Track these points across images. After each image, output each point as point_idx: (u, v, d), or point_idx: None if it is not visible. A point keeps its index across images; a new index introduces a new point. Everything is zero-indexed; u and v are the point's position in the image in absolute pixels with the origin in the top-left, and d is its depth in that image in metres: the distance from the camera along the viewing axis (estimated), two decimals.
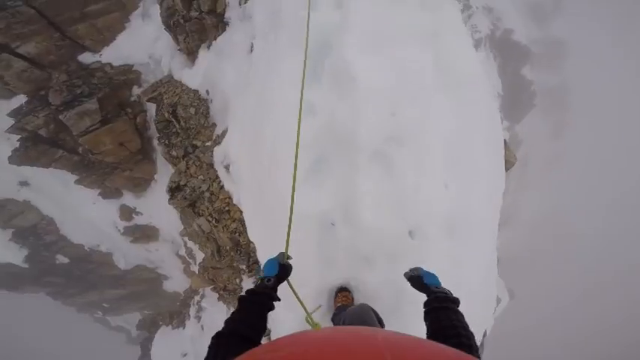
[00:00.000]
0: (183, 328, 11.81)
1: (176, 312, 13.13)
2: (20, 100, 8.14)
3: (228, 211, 3.96)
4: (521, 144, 24.76)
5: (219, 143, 4.30)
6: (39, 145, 8.03)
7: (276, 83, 2.98)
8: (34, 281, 12.16)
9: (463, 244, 2.43)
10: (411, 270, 1.47)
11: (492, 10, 21.88)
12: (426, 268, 1.44)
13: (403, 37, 2.66)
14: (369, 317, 1.89)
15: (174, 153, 5.89)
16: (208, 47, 5.98)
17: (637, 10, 23.93)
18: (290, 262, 1.41)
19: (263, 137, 2.86)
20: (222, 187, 4.11)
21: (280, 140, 2.59)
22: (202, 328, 10.14)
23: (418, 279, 1.37)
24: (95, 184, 9.16)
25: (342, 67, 2.50)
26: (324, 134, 2.48)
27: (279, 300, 1.23)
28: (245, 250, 3.98)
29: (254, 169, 3.05)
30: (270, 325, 2.51)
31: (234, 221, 3.90)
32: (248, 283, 4.98)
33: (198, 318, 10.53)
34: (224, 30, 5.40)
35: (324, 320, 2.47)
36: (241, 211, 3.73)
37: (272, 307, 1.19)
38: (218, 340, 1.00)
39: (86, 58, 8.37)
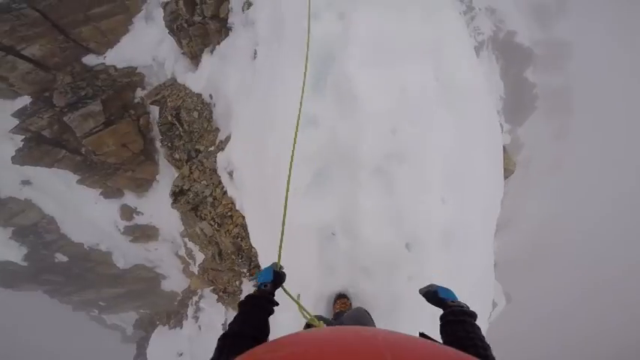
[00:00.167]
0: (181, 327, 11.85)
1: (174, 312, 13.17)
2: (24, 100, 8.19)
3: (231, 217, 4.03)
4: (523, 147, 24.65)
5: (223, 149, 4.37)
6: (42, 146, 8.10)
7: (279, 94, 3.05)
8: (32, 279, 12.16)
9: (458, 254, 2.51)
10: (425, 286, 1.48)
11: (495, 12, 21.58)
12: (439, 283, 1.45)
13: (405, 51, 2.73)
14: (366, 320, 1.97)
15: (176, 156, 5.96)
16: (212, 52, 6.02)
17: None
18: (284, 270, 1.47)
19: (266, 147, 2.94)
20: (225, 192, 4.17)
21: (283, 151, 2.66)
22: (200, 329, 10.19)
23: (434, 294, 1.37)
24: (97, 184, 9.22)
25: (345, 84, 2.58)
26: (326, 148, 2.56)
27: (278, 304, 1.30)
28: (247, 254, 4.05)
29: (257, 177, 3.12)
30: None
31: (236, 226, 3.97)
32: (248, 286, 5.05)
33: (196, 318, 10.58)
34: (227, 35, 5.44)
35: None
36: (244, 217, 3.81)
37: (271, 311, 1.25)
38: (224, 340, 1.02)
39: (90, 60, 8.43)
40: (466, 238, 2.55)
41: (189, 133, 5.63)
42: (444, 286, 1.41)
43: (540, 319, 27.26)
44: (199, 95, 6.01)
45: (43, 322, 26.83)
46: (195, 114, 5.66)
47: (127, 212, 10.41)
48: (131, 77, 8.48)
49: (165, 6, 6.68)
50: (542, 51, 24.58)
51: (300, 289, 2.52)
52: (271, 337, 0.88)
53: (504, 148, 3.71)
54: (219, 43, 5.67)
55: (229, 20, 5.33)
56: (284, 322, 2.68)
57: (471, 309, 1.21)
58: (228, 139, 4.41)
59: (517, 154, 24.13)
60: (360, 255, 2.50)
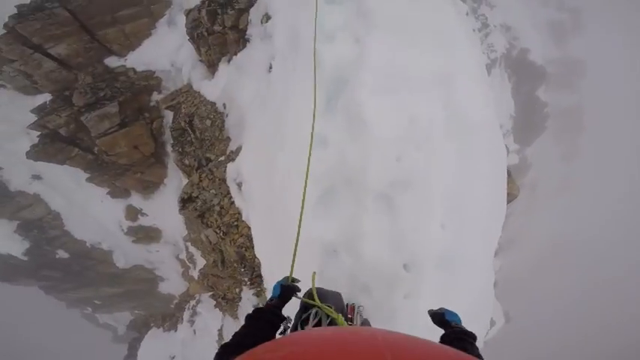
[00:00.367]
0: (175, 331, 11.79)
1: (169, 314, 13.11)
2: (44, 97, 8.44)
3: (237, 226, 4.10)
4: (530, 168, 24.51)
5: (233, 160, 4.47)
6: (56, 143, 8.30)
7: (292, 111, 3.15)
8: (32, 274, 12.16)
9: (454, 276, 2.62)
10: (436, 309, 1.56)
11: (510, 29, 21.68)
12: (449, 307, 1.53)
13: (416, 79, 2.84)
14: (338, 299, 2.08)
15: (186, 161, 6.08)
16: (229, 61, 6.14)
17: None
18: (298, 284, 1.56)
19: (276, 162, 3.03)
20: (232, 202, 4.26)
21: (293, 168, 2.76)
22: (195, 333, 10.12)
23: (440, 315, 1.45)
24: (106, 183, 9.37)
25: (355, 108, 2.71)
26: (334, 169, 2.69)
27: (285, 319, 1.35)
28: (250, 264, 4.10)
29: (265, 191, 3.21)
30: None
31: (241, 236, 4.03)
32: (248, 294, 5.05)
33: (192, 322, 10.52)
34: (245, 46, 5.55)
35: None
36: (249, 228, 3.87)
37: (277, 325, 1.30)
38: (224, 349, 1.06)
39: (112, 61, 8.68)
40: (463, 260, 2.65)
41: (201, 140, 5.76)
42: (452, 310, 1.48)
43: (539, 337, 26.46)
44: (213, 104, 6.14)
45: (34, 317, 26.81)
46: (208, 122, 5.79)
47: (132, 213, 10.52)
48: (149, 81, 8.69)
49: (187, 13, 6.81)
50: (555, 69, 24.52)
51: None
52: None
53: (509, 172, 3.76)
54: (236, 54, 5.79)
55: (248, 32, 5.45)
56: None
57: (470, 330, 1.25)
58: (239, 150, 4.51)
59: (524, 175, 23.99)
60: (360, 272, 2.61)
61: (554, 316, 26.33)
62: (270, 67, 4.51)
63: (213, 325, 8.70)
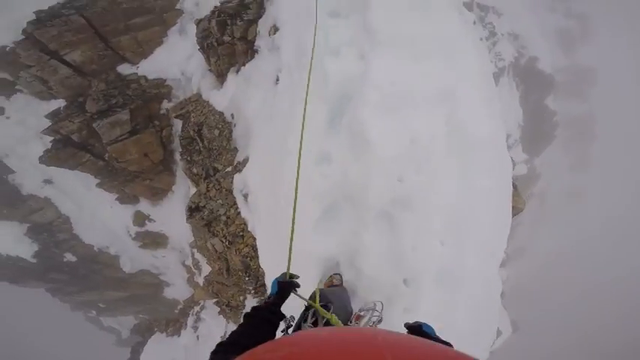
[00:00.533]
0: (179, 336, 11.84)
1: (173, 320, 13.18)
2: (58, 103, 8.66)
3: (242, 236, 4.16)
4: (539, 178, 24.17)
5: (240, 171, 4.55)
6: (69, 148, 8.48)
7: (297, 127, 3.17)
8: (39, 277, 12.32)
9: (453, 291, 2.65)
10: (412, 322, 1.56)
11: (518, 37, 21.47)
12: (424, 320, 1.55)
13: (420, 98, 2.86)
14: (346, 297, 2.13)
15: (194, 170, 6.18)
16: (237, 72, 6.22)
17: None
18: (297, 280, 1.54)
19: (282, 179, 3.10)
20: (239, 213, 4.33)
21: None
22: (198, 339, 10.15)
23: (417, 327, 1.46)
24: (115, 189, 9.54)
25: (358, 126, 2.77)
26: (337, 186, 2.77)
27: (283, 316, 1.33)
28: (254, 273, 4.14)
29: (271, 203, 3.26)
30: None
31: (246, 246, 4.09)
32: (252, 302, 5.08)
33: (195, 328, 10.57)
34: (253, 57, 5.61)
35: None
36: (255, 238, 3.92)
37: (275, 323, 1.29)
38: (219, 348, 1.07)
39: (124, 69, 8.87)
40: (462, 275, 2.69)
41: (209, 149, 5.85)
42: (428, 323, 1.49)
43: (547, 347, 25.79)
44: (221, 113, 6.23)
45: (38, 319, 26.97)
46: (217, 132, 5.89)
47: (140, 218, 10.67)
48: (160, 89, 8.86)
49: (198, 23, 6.91)
50: (564, 77, 24.15)
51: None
52: None
53: (515, 185, 3.73)
54: (244, 64, 5.86)
55: (256, 43, 5.50)
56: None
57: (450, 342, 1.27)
58: (245, 161, 4.59)
59: (533, 185, 23.65)
60: (360, 286, 2.67)
61: (562, 326, 25.74)
62: (278, 79, 4.54)
63: (216, 331, 8.72)
